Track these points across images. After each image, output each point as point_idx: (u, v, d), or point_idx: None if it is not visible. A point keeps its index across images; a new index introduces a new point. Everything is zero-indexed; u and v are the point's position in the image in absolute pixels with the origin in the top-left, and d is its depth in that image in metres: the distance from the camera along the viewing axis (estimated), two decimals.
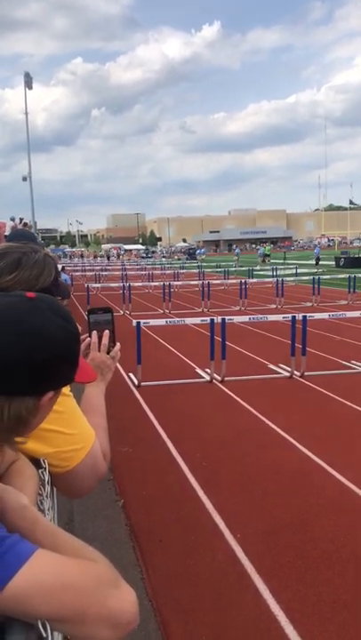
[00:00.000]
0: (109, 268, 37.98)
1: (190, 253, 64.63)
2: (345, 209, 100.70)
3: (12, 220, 15.93)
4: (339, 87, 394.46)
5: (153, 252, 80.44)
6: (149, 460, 4.96)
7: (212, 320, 7.92)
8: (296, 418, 6.00)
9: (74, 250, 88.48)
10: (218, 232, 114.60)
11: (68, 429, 1.27)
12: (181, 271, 29.43)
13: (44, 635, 0.82)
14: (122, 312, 15.42)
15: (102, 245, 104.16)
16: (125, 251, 79.18)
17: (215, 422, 5.97)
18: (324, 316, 9.63)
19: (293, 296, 17.81)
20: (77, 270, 34.30)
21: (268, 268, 30.53)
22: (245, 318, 10.36)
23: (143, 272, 30.30)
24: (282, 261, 38.75)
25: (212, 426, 5.86)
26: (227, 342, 7.79)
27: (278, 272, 24.07)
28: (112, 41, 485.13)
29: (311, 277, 18.54)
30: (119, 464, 4.73)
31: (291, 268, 29.26)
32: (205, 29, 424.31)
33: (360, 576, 3.16)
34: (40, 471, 1.18)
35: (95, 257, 65.79)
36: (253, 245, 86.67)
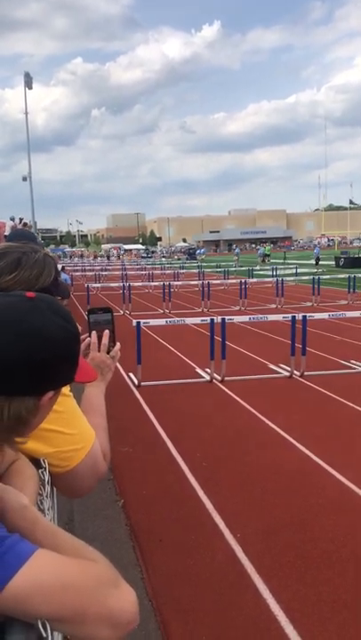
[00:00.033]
0: (109, 267, 37.98)
1: (190, 253, 64.62)
2: (345, 209, 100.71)
3: (12, 219, 15.93)
4: (339, 87, 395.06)
5: (153, 252, 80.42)
6: (149, 460, 4.96)
7: (212, 320, 7.92)
8: (296, 418, 6.00)
9: (74, 250, 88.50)
10: (218, 232, 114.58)
11: (67, 429, 1.27)
12: (181, 271, 29.42)
13: (44, 635, 0.82)
14: (122, 312, 15.42)
15: (102, 245, 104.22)
16: (125, 251, 79.17)
17: (215, 422, 5.97)
18: (324, 315, 9.63)
19: (293, 296, 17.81)
20: (77, 270, 34.30)
21: (268, 267, 30.53)
22: (245, 318, 10.36)
23: (143, 272, 30.29)
24: (282, 261, 38.75)
25: (212, 426, 5.86)
26: (227, 342, 7.79)
27: (278, 272, 24.08)
28: (112, 41, 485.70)
29: (311, 277, 18.54)
30: (119, 464, 4.73)
31: (291, 268, 29.27)
32: (205, 29, 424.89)
33: (360, 576, 3.17)
34: (40, 471, 1.18)
35: (95, 257, 65.72)
36: (253, 245, 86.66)
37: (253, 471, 4.64)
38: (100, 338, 1.53)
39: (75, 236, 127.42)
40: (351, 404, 6.43)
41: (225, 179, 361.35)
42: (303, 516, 3.87)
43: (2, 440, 0.89)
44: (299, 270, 27.45)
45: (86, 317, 1.57)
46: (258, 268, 32.67)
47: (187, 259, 58.38)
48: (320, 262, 35.57)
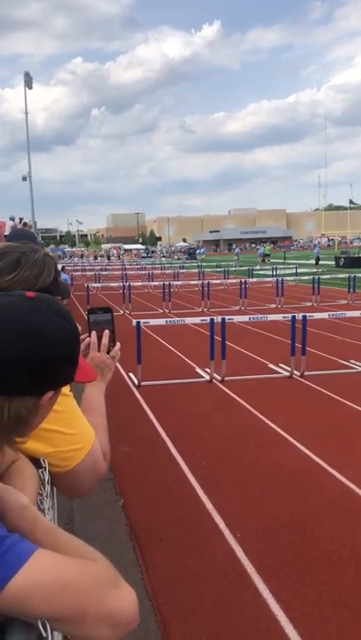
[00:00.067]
0: (109, 267, 37.97)
1: (190, 253, 64.64)
2: (345, 208, 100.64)
3: (12, 219, 15.91)
4: (339, 87, 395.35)
5: (152, 252, 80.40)
6: (149, 460, 4.96)
7: (211, 320, 7.92)
8: (296, 417, 6.00)
9: (74, 250, 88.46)
10: (218, 232, 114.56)
11: (67, 429, 1.27)
12: (181, 271, 29.41)
13: (44, 634, 0.82)
14: (122, 312, 15.42)
15: (102, 245, 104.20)
16: (125, 250, 79.13)
17: (215, 422, 5.97)
18: (324, 315, 9.63)
19: (293, 296, 17.81)
20: (77, 270, 34.29)
21: (267, 267, 30.53)
22: (245, 318, 10.35)
23: (143, 272, 30.29)
24: (282, 261, 38.75)
25: (212, 425, 5.86)
26: (227, 342, 7.79)
27: (278, 272, 24.09)
28: (112, 41, 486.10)
29: (311, 277, 18.54)
30: (119, 464, 4.73)
31: (291, 268, 29.28)
32: (205, 29, 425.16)
33: (360, 576, 3.17)
34: (40, 471, 1.18)
35: (95, 257, 65.63)
36: (253, 245, 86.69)
37: (253, 471, 4.64)
38: (99, 338, 1.53)
39: (75, 235, 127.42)
40: (351, 404, 6.43)
41: (225, 178, 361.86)
42: (303, 516, 3.87)
43: (2, 440, 0.89)
44: (299, 270, 27.47)
45: (86, 317, 1.57)
46: (258, 267, 32.67)
47: (187, 258, 58.39)
48: (320, 262, 35.57)
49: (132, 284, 18.80)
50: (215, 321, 7.80)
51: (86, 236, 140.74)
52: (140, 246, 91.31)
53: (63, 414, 1.24)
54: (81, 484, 1.34)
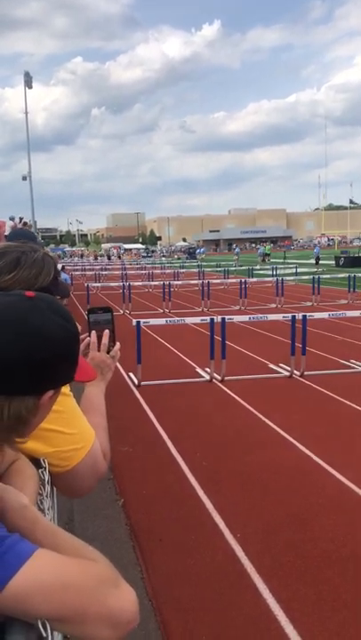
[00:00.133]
0: (109, 267, 37.97)
1: (190, 253, 64.66)
2: (345, 208, 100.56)
3: (12, 219, 15.89)
4: (339, 86, 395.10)
5: (152, 252, 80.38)
6: (149, 460, 4.96)
7: (211, 319, 7.92)
8: (296, 417, 6.00)
9: (74, 249, 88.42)
10: (218, 231, 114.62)
11: (67, 429, 1.27)
12: (181, 270, 29.42)
13: (44, 634, 0.82)
14: (122, 311, 15.42)
15: (102, 245, 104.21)
16: (125, 250, 79.12)
17: (215, 422, 5.98)
18: (324, 315, 9.63)
19: (293, 295, 17.81)
20: (77, 270, 34.29)
21: (268, 267, 30.53)
22: (245, 318, 10.36)
23: (143, 271, 30.29)
24: (282, 261, 38.76)
25: (212, 425, 5.86)
26: (227, 342, 7.79)
27: (278, 271, 24.10)
28: (112, 40, 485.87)
29: (311, 277, 18.55)
30: (119, 463, 4.73)
31: (291, 268, 29.29)
32: (205, 28, 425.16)
33: (360, 575, 3.17)
34: (40, 471, 1.18)
35: (95, 257, 65.57)
36: (253, 245, 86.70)
37: (254, 471, 4.64)
38: (99, 337, 1.53)
39: (75, 235, 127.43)
40: (351, 404, 6.43)
41: (225, 178, 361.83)
42: (303, 516, 3.87)
43: (2, 440, 0.89)
44: (299, 270, 27.48)
45: (86, 317, 1.57)
46: (258, 267, 32.68)
47: (187, 258, 58.43)
48: (320, 262, 35.58)
49: (132, 283, 18.80)
50: (215, 321, 7.81)
51: (86, 235, 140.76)
52: (140, 246, 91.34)
53: (63, 414, 1.24)
54: (81, 483, 1.34)
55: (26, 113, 30.50)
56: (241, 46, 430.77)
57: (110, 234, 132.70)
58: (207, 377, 7.72)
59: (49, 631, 0.83)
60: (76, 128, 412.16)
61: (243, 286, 16.13)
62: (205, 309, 15.57)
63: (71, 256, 66.75)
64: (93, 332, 1.53)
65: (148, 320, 8.28)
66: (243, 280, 17.15)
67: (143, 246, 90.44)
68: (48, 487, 1.26)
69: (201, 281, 18.39)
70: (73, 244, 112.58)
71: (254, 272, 25.58)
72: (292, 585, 3.09)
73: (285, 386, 7.46)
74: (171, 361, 9.09)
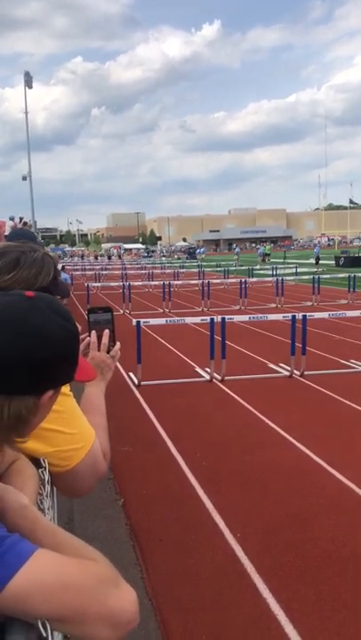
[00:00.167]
0: (109, 267, 37.97)
1: (190, 253, 64.63)
2: (345, 208, 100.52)
3: (12, 219, 15.89)
4: (339, 86, 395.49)
5: (152, 252, 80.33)
6: (149, 460, 4.96)
7: (211, 319, 7.92)
8: (296, 417, 6.00)
9: (74, 249, 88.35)
10: (218, 231, 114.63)
11: (67, 429, 1.27)
12: (181, 270, 29.41)
13: (44, 634, 0.82)
14: (122, 311, 15.42)
15: (102, 245, 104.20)
16: (125, 250, 79.08)
17: (215, 421, 5.98)
18: (324, 315, 9.63)
19: (293, 295, 17.81)
20: (77, 269, 34.28)
21: (268, 267, 30.53)
22: (245, 317, 10.36)
23: (143, 271, 30.29)
24: (282, 261, 38.75)
25: (212, 425, 5.86)
26: (227, 341, 7.79)
27: (278, 271, 24.10)
28: (112, 40, 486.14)
29: (311, 277, 18.55)
30: (119, 463, 4.73)
31: (291, 268, 29.29)
32: (205, 28, 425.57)
33: (360, 575, 3.17)
34: (40, 470, 1.18)
35: (96, 257, 65.48)
36: (253, 245, 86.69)
37: (254, 470, 4.64)
38: (99, 337, 1.53)
39: (75, 235, 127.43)
40: (351, 404, 6.43)
41: (225, 178, 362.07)
42: (303, 516, 3.87)
43: (2, 439, 0.89)
44: (299, 270, 27.47)
45: (86, 317, 1.57)
46: (258, 267, 32.68)
47: (187, 258, 58.42)
48: (320, 262, 35.56)
49: (132, 283, 18.80)
50: (215, 320, 7.80)
51: (86, 235, 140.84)
52: (140, 246, 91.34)
53: (63, 414, 1.24)
54: (81, 483, 1.34)
55: (26, 113, 30.51)
56: (241, 46, 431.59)
57: (110, 234, 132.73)
58: (207, 377, 7.72)
59: (49, 631, 0.83)
60: (76, 128, 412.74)
61: (243, 286, 16.13)
62: (205, 309, 15.57)
63: (72, 256, 66.61)
64: (93, 332, 1.53)
65: (148, 320, 8.27)
66: (243, 280, 17.14)
67: (143, 246, 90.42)
68: (48, 487, 1.26)
69: (201, 281, 18.39)
70: (73, 244, 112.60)
71: (254, 272, 25.57)
72: (292, 585, 3.09)
73: (285, 386, 7.46)
74: (171, 361, 9.09)
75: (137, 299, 18.27)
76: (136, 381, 7.48)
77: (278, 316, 9.57)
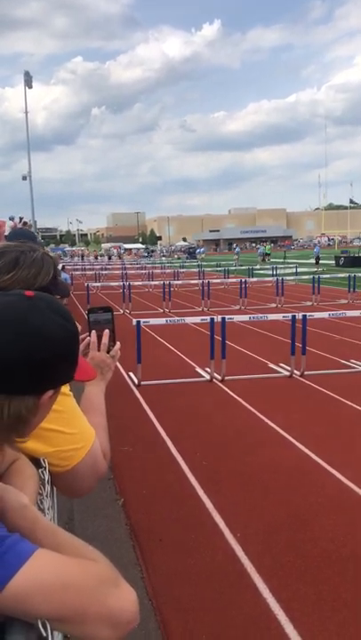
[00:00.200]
0: (109, 267, 37.97)
1: (190, 252, 64.63)
2: (345, 208, 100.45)
3: (12, 219, 15.89)
4: (339, 86, 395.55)
5: (152, 252, 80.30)
6: (149, 459, 4.96)
7: (212, 319, 7.91)
8: (296, 417, 6.00)
9: (74, 249, 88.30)
10: (218, 231, 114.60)
11: (67, 429, 1.27)
12: (181, 270, 29.40)
13: (44, 634, 0.82)
14: (122, 311, 15.42)
15: (102, 244, 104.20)
16: (125, 250, 79.06)
17: (215, 421, 5.97)
18: (324, 315, 9.63)
19: (293, 295, 17.81)
20: (77, 269, 34.28)
21: (268, 267, 30.52)
22: (245, 317, 10.36)
23: (143, 271, 30.29)
24: (282, 260, 38.75)
25: (212, 425, 5.86)
26: (227, 341, 7.79)
27: (278, 271, 24.11)
28: (112, 40, 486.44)
29: (311, 276, 18.55)
30: (119, 463, 4.73)
31: (291, 267, 29.30)
32: (206, 28, 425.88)
33: (360, 575, 3.17)
34: (40, 470, 1.18)
35: (96, 257, 65.40)
36: (253, 244, 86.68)
37: (254, 470, 4.64)
38: (99, 337, 1.53)
39: (75, 235, 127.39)
40: (351, 404, 6.43)
41: (225, 177, 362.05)
42: (303, 516, 3.87)
43: (2, 439, 0.89)
44: (299, 269, 27.48)
45: (86, 316, 1.57)
46: (258, 267, 32.67)
47: (187, 258, 58.41)
48: (320, 261, 35.56)
49: (132, 283, 18.80)
50: (215, 320, 7.80)
51: (86, 235, 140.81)
52: (140, 245, 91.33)
53: (63, 414, 1.24)
54: (81, 483, 1.34)
55: (26, 112, 30.48)
56: (241, 46, 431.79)
57: (110, 233, 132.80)
58: (207, 377, 7.71)
59: (49, 631, 0.83)
60: (76, 128, 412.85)
61: (243, 286, 16.13)
62: (205, 309, 15.57)
63: (72, 256, 66.51)
64: (93, 332, 1.53)
65: (148, 320, 8.27)
66: (243, 280, 17.14)
67: (143, 246, 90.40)
68: (48, 487, 1.26)
69: (201, 281, 18.39)
70: (73, 244, 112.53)
71: (254, 272, 25.56)
72: (292, 585, 3.09)
73: (285, 385, 7.46)
74: (171, 360, 9.09)
75: (137, 298, 18.26)
76: (136, 381, 7.48)
77: (278, 316, 9.57)
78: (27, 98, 29.92)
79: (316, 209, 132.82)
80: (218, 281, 20.39)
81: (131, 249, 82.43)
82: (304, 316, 7.91)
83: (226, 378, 7.57)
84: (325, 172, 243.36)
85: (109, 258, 63.39)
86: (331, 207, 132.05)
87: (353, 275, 16.70)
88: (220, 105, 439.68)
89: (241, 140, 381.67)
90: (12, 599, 0.73)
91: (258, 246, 55.74)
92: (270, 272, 24.86)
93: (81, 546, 0.86)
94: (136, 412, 6.36)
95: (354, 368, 8.19)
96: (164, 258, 63.67)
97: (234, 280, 19.68)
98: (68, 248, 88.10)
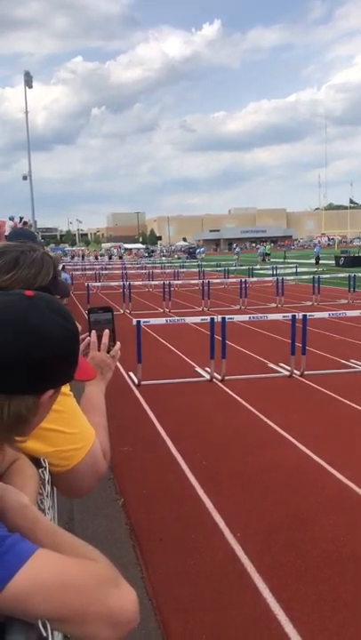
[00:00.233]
0: (109, 267, 37.96)
1: (190, 252, 64.61)
2: (345, 208, 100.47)
3: (12, 219, 15.88)
4: (339, 86, 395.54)
5: (152, 252, 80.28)
6: (149, 459, 4.96)
7: (212, 319, 7.91)
8: (296, 417, 6.00)
9: (74, 249, 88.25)
10: (218, 231, 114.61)
11: (67, 428, 1.27)
12: (181, 270, 29.40)
13: (45, 634, 0.82)
14: (122, 311, 15.42)
15: (102, 244, 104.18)
16: (125, 250, 79.03)
17: (215, 421, 5.97)
18: (324, 315, 9.63)
19: (293, 295, 17.81)
20: (78, 269, 34.28)
21: (268, 267, 30.52)
22: (245, 317, 10.36)
23: (143, 271, 30.28)
24: (282, 260, 38.75)
25: (212, 425, 5.86)
26: (227, 341, 7.79)
27: (278, 271, 24.12)
28: (112, 40, 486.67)
29: (311, 276, 18.55)
30: (119, 463, 4.73)
31: (291, 267, 29.29)
32: (206, 28, 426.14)
33: (360, 575, 3.17)
34: (40, 470, 1.18)
35: (96, 257, 65.31)
36: (254, 244, 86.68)
37: (254, 470, 4.64)
38: (100, 337, 1.53)
39: (75, 235, 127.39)
40: (351, 404, 6.43)
41: (225, 177, 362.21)
42: (303, 515, 3.87)
43: (2, 439, 0.89)
44: (299, 269, 27.47)
45: (86, 316, 1.57)
46: (258, 267, 32.67)
47: (187, 258, 58.40)
48: (320, 261, 35.55)
49: (132, 283, 18.80)
50: (215, 320, 7.80)
51: (86, 235, 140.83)
52: (140, 245, 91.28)
53: (63, 414, 1.24)
54: (81, 483, 1.34)
55: (26, 112, 30.47)
56: (241, 46, 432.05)
57: (110, 233, 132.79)
58: (207, 376, 7.71)
59: (49, 631, 0.83)
60: (76, 127, 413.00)
61: (243, 286, 16.13)
62: (205, 309, 15.57)
63: (73, 257, 66.42)
64: (93, 332, 1.53)
65: (148, 319, 8.27)
66: (243, 280, 17.14)
67: (143, 246, 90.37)
68: (48, 487, 1.26)
69: (201, 280, 18.40)
70: (73, 244, 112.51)
71: (254, 272, 25.56)
72: (292, 585, 3.09)
73: (285, 385, 7.46)
74: (171, 360, 9.09)
75: (137, 298, 18.26)
76: (136, 381, 7.48)
77: (278, 316, 9.57)
78: (27, 98, 29.91)
79: (317, 209, 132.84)
80: (218, 281, 20.39)
81: (131, 249, 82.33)
82: (304, 316, 7.91)
83: (226, 378, 7.57)
84: (325, 172, 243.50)
85: (110, 258, 63.33)
86: (331, 207, 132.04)
87: (353, 275, 16.71)
88: (220, 105, 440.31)
89: (241, 139, 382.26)
90: (12, 599, 0.73)
91: (258, 246, 55.75)
92: (270, 272, 24.86)
93: (81, 546, 0.86)
94: (136, 411, 6.36)
95: (354, 368, 8.19)
96: (164, 258, 63.65)
97: (234, 280, 19.68)
98: (68, 248, 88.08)
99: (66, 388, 1.28)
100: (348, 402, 6.50)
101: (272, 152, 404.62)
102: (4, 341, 0.80)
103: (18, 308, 0.84)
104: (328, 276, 20.05)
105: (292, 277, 23.73)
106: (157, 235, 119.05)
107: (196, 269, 30.73)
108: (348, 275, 17.18)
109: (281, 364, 8.33)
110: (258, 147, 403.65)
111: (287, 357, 7.97)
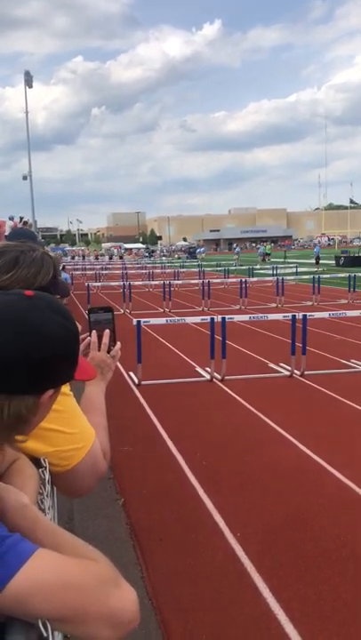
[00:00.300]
0: (110, 266, 37.96)
1: (190, 252, 64.63)
2: (345, 208, 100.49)
3: (11, 219, 15.89)
4: (339, 86, 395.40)
5: (152, 252, 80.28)
6: (149, 459, 4.96)
7: (212, 319, 7.91)
8: (296, 417, 6.00)
9: (74, 249, 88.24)
10: (218, 231, 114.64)
11: (68, 428, 1.27)
12: (182, 270, 29.40)
13: (45, 634, 0.82)
14: (122, 311, 15.42)
15: (102, 244, 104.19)
16: (126, 249, 79.03)
17: (215, 421, 5.98)
18: (325, 315, 9.63)
19: (294, 295, 17.81)
20: (78, 269, 34.28)
21: (268, 266, 30.53)
22: (246, 317, 10.37)
23: (143, 271, 30.28)
24: (282, 260, 38.77)
25: (213, 424, 5.86)
26: (227, 341, 7.79)
27: (278, 271, 24.12)
28: (112, 39, 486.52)
29: (311, 276, 18.55)
30: (119, 463, 4.73)
31: (291, 267, 29.29)
32: (206, 28, 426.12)
33: (360, 575, 3.17)
34: (40, 470, 1.18)
35: (97, 257, 65.28)
36: (254, 244, 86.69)
37: (254, 470, 4.64)
38: (100, 337, 1.53)
39: (75, 234, 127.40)
40: (352, 404, 6.43)
41: (225, 177, 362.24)
42: (303, 515, 3.87)
43: (2, 439, 0.89)
44: (299, 269, 27.48)
45: (87, 316, 1.57)
46: (258, 267, 32.67)
47: (187, 258, 58.41)
48: (320, 261, 35.55)
49: (132, 283, 18.79)
50: (215, 320, 7.80)
51: (86, 235, 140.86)
52: (140, 245, 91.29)
53: (63, 413, 1.24)
54: (81, 483, 1.34)
55: (26, 112, 30.53)
56: (241, 46, 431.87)
57: (111, 233, 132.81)
58: (207, 376, 7.71)
59: (49, 631, 0.83)
60: (76, 127, 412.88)
61: (243, 286, 16.13)
62: (206, 309, 15.57)
63: (73, 257, 66.38)
64: (94, 332, 1.53)
65: (148, 319, 8.27)
66: (243, 279, 17.14)
67: (144, 246, 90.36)
68: (48, 487, 1.26)
69: (201, 280, 18.39)
70: (73, 244, 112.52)
71: (255, 271, 25.56)
72: (293, 584, 3.09)
73: (286, 385, 7.46)
74: (171, 360, 9.09)
75: (137, 298, 18.26)
76: (136, 381, 7.48)
77: (278, 316, 9.58)
78: (27, 97, 30.00)
79: (317, 209, 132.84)
80: (218, 281, 20.39)
81: (131, 249, 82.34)
82: (304, 316, 7.91)
83: (226, 377, 7.57)
84: (325, 172, 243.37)
85: (110, 258, 63.30)
86: (331, 207, 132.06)
87: (353, 275, 16.71)
88: (221, 105, 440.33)
89: (241, 139, 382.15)
90: (12, 599, 0.73)
91: (258, 246, 55.75)
92: (270, 272, 24.86)
93: (81, 545, 0.86)
94: (136, 411, 6.36)
95: (354, 368, 8.19)
96: (164, 258, 63.65)
97: (234, 280, 19.67)
98: (68, 248, 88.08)
99: (66, 388, 1.28)
100: (348, 402, 6.50)
101: (272, 152, 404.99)
102: (4, 341, 0.80)
103: (18, 307, 0.84)
104: (328, 275, 20.05)
105: (292, 277, 23.73)
106: (158, 235, 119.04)
107: (196, 269, 30.73)
108: (348, 275, 17.18)
109: (281, 364, 8.33)
110: (258, 147, 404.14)
111: (287, 357, 7.97)
